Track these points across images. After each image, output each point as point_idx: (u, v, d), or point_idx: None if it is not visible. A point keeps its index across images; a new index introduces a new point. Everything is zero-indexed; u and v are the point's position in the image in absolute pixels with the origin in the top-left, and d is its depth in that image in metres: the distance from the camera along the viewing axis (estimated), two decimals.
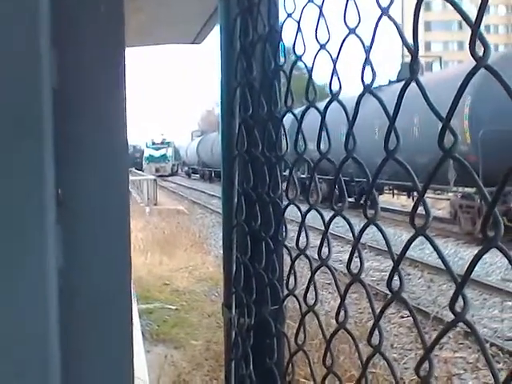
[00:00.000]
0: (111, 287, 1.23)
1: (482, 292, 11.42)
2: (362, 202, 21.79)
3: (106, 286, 1.22)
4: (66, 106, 1.18)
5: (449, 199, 19.73)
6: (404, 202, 26.04)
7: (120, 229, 1.24)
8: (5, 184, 1.09)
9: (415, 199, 0.84)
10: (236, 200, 1.69)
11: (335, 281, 1.19)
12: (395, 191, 24.73)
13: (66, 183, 1.18)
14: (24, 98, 1.10)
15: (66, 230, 1.18)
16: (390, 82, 22.56)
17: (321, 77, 1.30)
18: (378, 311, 1.01)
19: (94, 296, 1.21)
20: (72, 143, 1.18)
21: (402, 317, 9.72)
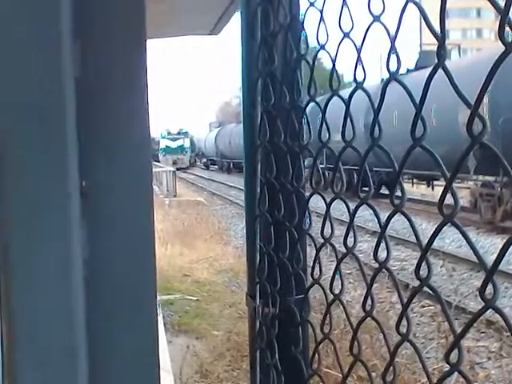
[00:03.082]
0: (136, 277, 1.23)
1: (504, 281, 11.35)
2: (381, 191, 21.78)
3: (130, 276, 1.23)
4: (90, 97, 1.18)
5: (469, 188, 19.63)
6: (423, 191, 25.96)
7: (144, 219, 1.24)
8: (29, 176, 1.10)
9: (443, 187, 0.84)
10: (259, 190, 1.69)
11: (361, 269, 1.19)
12: (414, 180, 24.67)
13: (90, 174, 1.18)
14: (47, 90, 1.10)
15: (90, 221, 1.19)
16: (409, 71, 22.46)
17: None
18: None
19: (119, 286, 1.22)
20: (95, 135, 1.19)
21: (423, 306, 9.70)
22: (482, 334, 8.62)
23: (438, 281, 11.38)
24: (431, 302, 9.65)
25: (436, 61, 0.84)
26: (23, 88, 1.09)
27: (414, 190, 25.75)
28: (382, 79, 23.52)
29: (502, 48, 0.74)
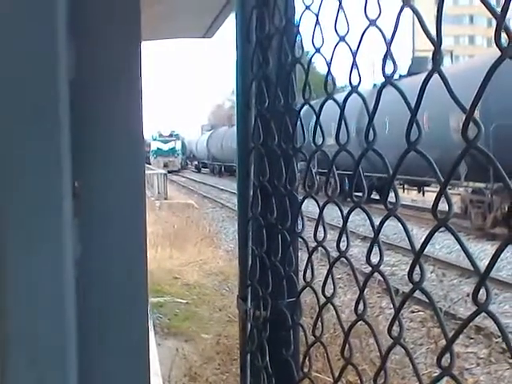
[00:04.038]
0: (127, 278, 1.23)
1: (493, 287, 11.38)
2: (371, 196, 21.83)
3: (122, 278, 1.23)
4: (84, 98, 1.18)
5: (459, 194, 19.69)
6: (414, 196, 26.02)
7: (136, 221, 1.24)
8: (22, 176, 1.10)
9: (437, 191, 0.84)
10: (251, 193, 1.69)
11: (354, 273, 1.20)
12: (405, 186, 24.73)
13: (83, 175, 1.18)
14: (41, 91, 1.10)
15: (82, 222, 1.19)
16: (401, 77, 22.50)
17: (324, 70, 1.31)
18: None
19: (110, 286, 1.22)
20: (89, 135, 1.19)
21: (413, 311, 9.72)
22: (471, 340, 8.64)
23: (428, 286, 11.36)
24: (421, 307, 9.67)
25: (430, 66, 0.85)
26: (17, 88, 1.09)
27: (405, 195, 25.81)
28: (375, 85, 23.56)
29: (493, 56, 0.75)
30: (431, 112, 16.64)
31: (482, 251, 14.64)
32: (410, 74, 22.61)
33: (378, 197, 21.24)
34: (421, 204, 23.45)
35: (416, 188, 24.86)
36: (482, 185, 17.62)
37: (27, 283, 1.10)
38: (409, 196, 26.34)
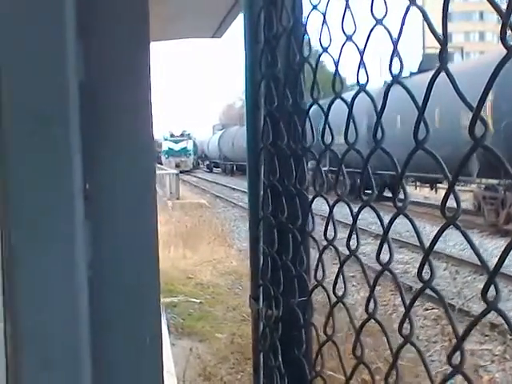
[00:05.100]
0: (139, 279, 1.24)
1: (507, 284, 11.33)
2: (384, 194, 21.77)
3: (134, 278, 1.23)
4: (93, 99, 1.18)
5: (471, 191, 19.63)
6: (427, 193, 25.94)
7: (147, 222, 1.24)
8: (34, 178, 1.10)
9: (446, 189, 0.84)
10: (262, 192, 1.69)
11: (364, 271, 1.20)
12: (418, 183, 24.67)
13: (94, 177, 1.19)
14: (51, 93, 1.11)
15: (94, 224, 1.19)
16: (411, 74, 22.44)
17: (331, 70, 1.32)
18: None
19: (123, 287, 1.22)
20: (99, 137, 1.19)
21: (427, 309, 9.68)
22: (486, 338, 8.60)
23: (441, 283, 11.37)
24: (434, 304, 9.64)
25: (438, 64, 0.85)
26: (26, 90, 1.10)
27: (418, 192, 25.74)
28: (386, 82, 23.51)
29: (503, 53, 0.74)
30: (442, 109, 16.59)
31: (496, 248, 14.57)
32: (420, 70, 22.54)
33: (390, 194, 21.19)
34: (433, 201, 23.38)
35: (428, 185, 24.79)
36: (494, 181, 17.56)
37: (40, 285, 1.11)
38: (421, 193, 26.26)
